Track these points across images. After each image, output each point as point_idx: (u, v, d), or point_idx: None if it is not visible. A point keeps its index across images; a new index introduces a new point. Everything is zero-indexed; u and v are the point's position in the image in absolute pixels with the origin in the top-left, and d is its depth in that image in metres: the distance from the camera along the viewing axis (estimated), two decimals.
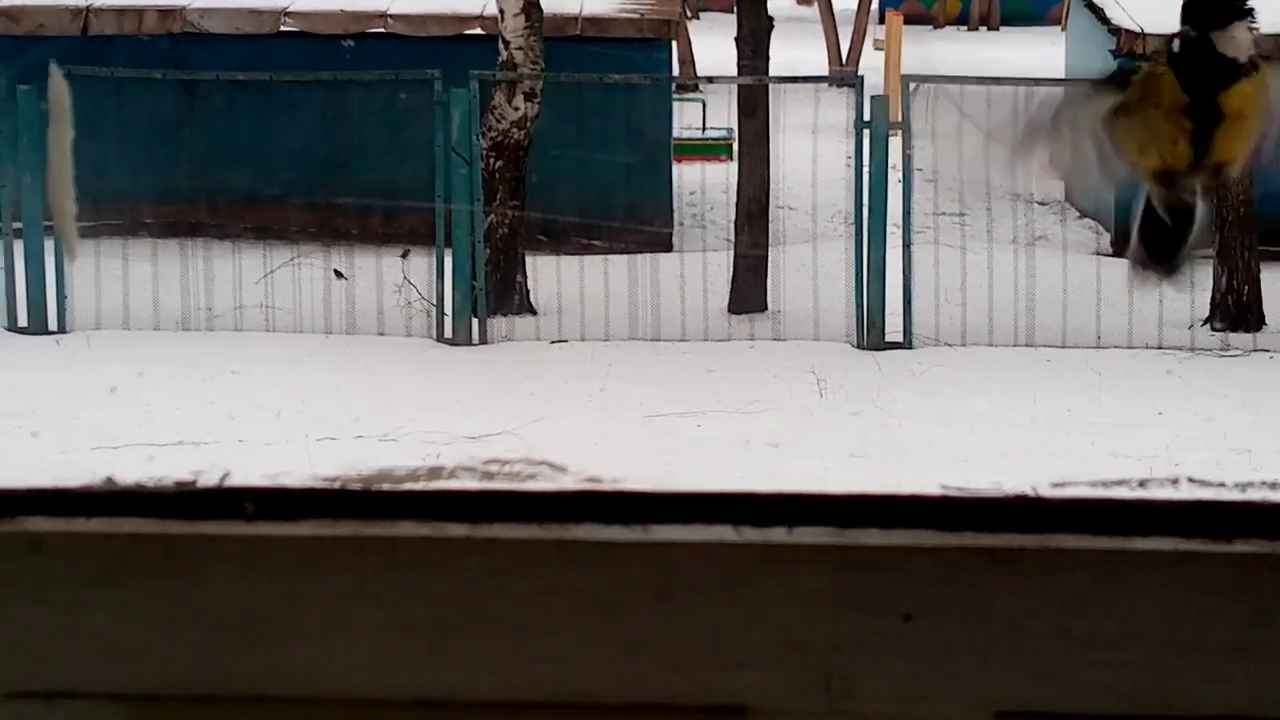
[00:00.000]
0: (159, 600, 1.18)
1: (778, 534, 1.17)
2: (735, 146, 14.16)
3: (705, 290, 12.51)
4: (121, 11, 15.09)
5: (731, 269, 12.95)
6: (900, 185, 12.23)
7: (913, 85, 12.50)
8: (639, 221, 14.58)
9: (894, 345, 11.81)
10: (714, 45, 21.75)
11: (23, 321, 11.94)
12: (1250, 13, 3.30)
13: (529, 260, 12.57)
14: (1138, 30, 15.33)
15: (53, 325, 11.93)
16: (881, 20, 27.09)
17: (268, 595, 1.18)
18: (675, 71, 18.40)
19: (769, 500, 1.18)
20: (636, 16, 15.47)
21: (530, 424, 9.00)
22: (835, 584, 1.17)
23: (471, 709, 1.18)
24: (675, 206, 15.52)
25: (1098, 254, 14.64)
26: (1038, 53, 26.37)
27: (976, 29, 37.29)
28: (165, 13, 15.10)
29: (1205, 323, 12.36)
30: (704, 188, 15.96)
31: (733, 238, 13.36)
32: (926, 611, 1.16)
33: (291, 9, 15.25)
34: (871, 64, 24.03)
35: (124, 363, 10.50)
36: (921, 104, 12.60)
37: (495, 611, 1.18)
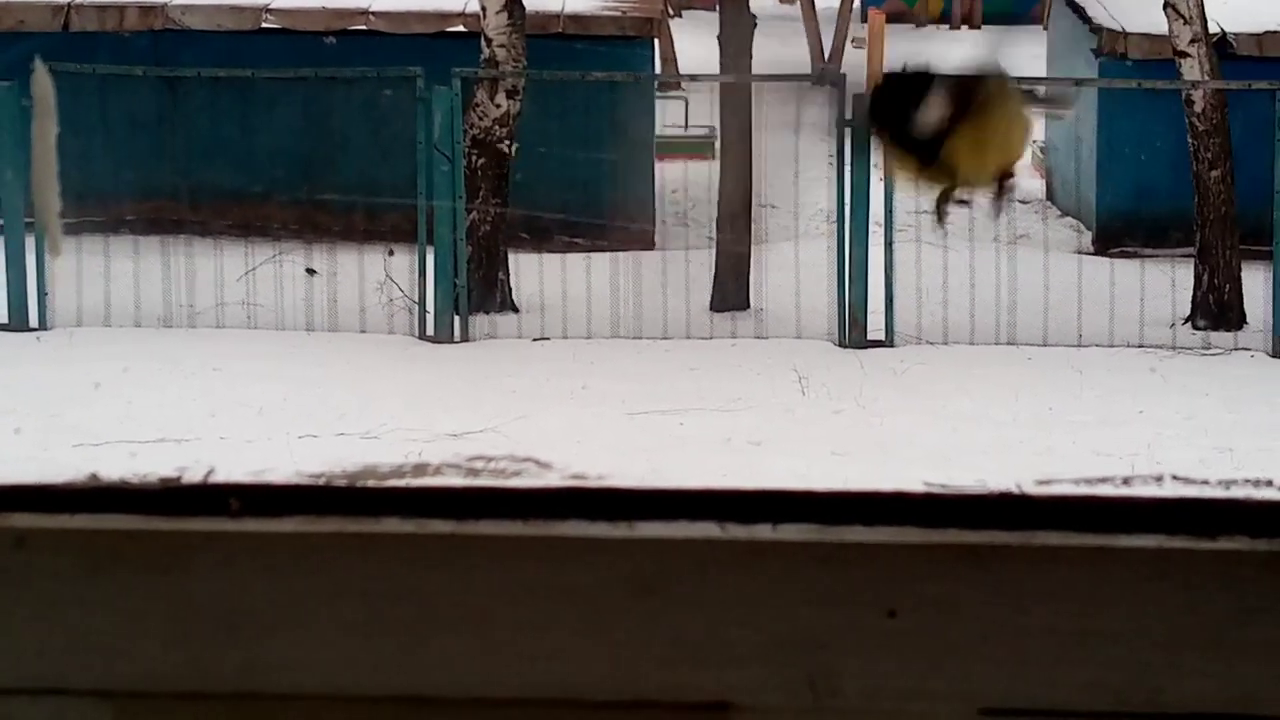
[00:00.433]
0: (144, 596, 1.18)
1: (762, 531, 1.18)
2: (717, 144, 14.16)
3: (687, 288, 12.50)
4: (103, 8, 15.05)
5: (714, 267, 12.94)
6: (882, 183, 12.23)
7: None
8: (621, 219, 14.57)
9: (876, 343, 11.82)
10: (696, 43, 21.74)
11: (3, 318, 11.91)
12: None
13: (511, 258, 12.55)
14: (1119, 29, 15.36)
15: (34, 322, 11.90)
16: (864, 19, 27.11)
17: (252, 591, 1.18)
18: (658, 69, 18.39)
19: (754, 497, 1.19)
20: (619, 14, 15.47)
21: (512, 421, 8.99)
22: (819, 581, 1.17)
23: (456, 705, 1.18)
24: (657, 204, 15.51)
25: (1079, 252, 14.67)
26: (1019, 51, 26.41)
27: (958, 28, 37.32)
28: (147, 9, 15.06)
29: (1186, 321, 12.38)
30: (686, 186, 15.96)
31: (715, 236, 13.36)
32: (911, 608, 1.17)
33: (273, 6, 15.22)
34: (854, 62, 24.04)
35: (106, 360, 10.47)
36: None
37: (480, 608, 1.18)
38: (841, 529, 1.17)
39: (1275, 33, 15.32)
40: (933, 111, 2.83)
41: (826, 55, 26.70)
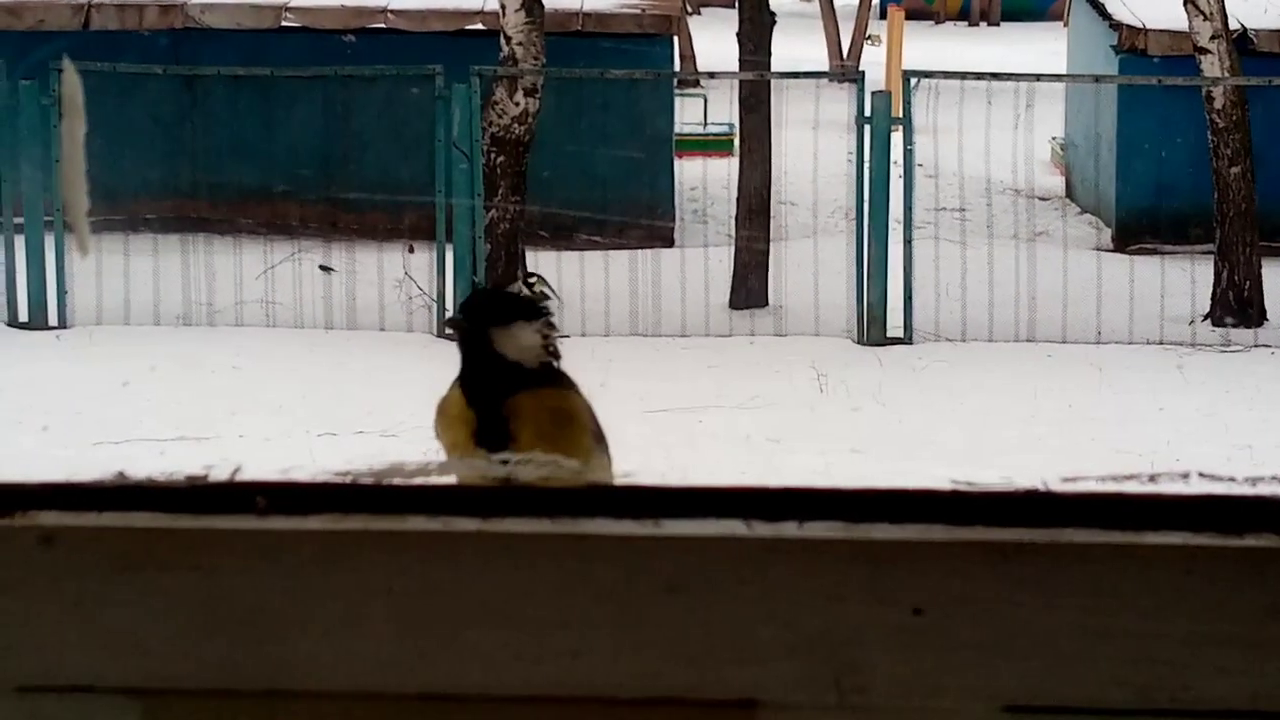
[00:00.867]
0: (170, 595, 1.18)
1: (788, 529, 1.18)
2: (736, 142, 14.16)
3: (706, 286, 12.51)
4: (123, 7, 15.09)
5: (733, 264, 12.95)
6: (901, 181, 12.23)
7: (914, 81, 12.50)
8: (640, 217, 14.58)
9: (895, 341, 11.82)
10: (715, 40, 21.76)
11: (24, 317, 11.95)
12: (541, 315, 2.89)
13: (530, 256, 12.57)
14: (1139, 25, 15.33)
15: (53, 321, 11.93)
16: (883, 16, 27.09)
17: (279, 590, 1.18)
18: (676, 67, 18.39)
19: (780, 495, 1.19)
20: (638, 12, 15.47)
21: None
22: (846, 578, 1.17)
23: (482, 703, 1.18)
24: (676, 202, 15.53)
25: (1098, 249, 14.66)
26: (1039, 48, 26.41)
27: (977, 24, 37.30)
28: (167, 8, 15.10)
29: (1206, 318, 12.36)
30: (705, 183, 15.97)
31: (734, 233, 13.36)
32: (937, 606, 1.17)
33: (292, 4, 15.25)
34: (872, 59, 24.03)
35: (125, 359, 10.50)
36: (923, 100, 12.60)
37: (506, 606, 1.18)
38: (868, 526, 1.17)
39: None
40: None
41: (845, 52, 26.69)
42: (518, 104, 12.19)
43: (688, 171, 16.06)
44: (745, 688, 1.18)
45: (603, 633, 1.17)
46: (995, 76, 13.22)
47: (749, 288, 12.77)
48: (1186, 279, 12.63)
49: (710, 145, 17.70)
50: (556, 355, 2.88)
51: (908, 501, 1.19)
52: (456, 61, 12.20)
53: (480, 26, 14.78)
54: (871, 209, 12.09)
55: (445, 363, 2.98)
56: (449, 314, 11.73)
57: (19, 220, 11.94)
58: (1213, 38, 12.47)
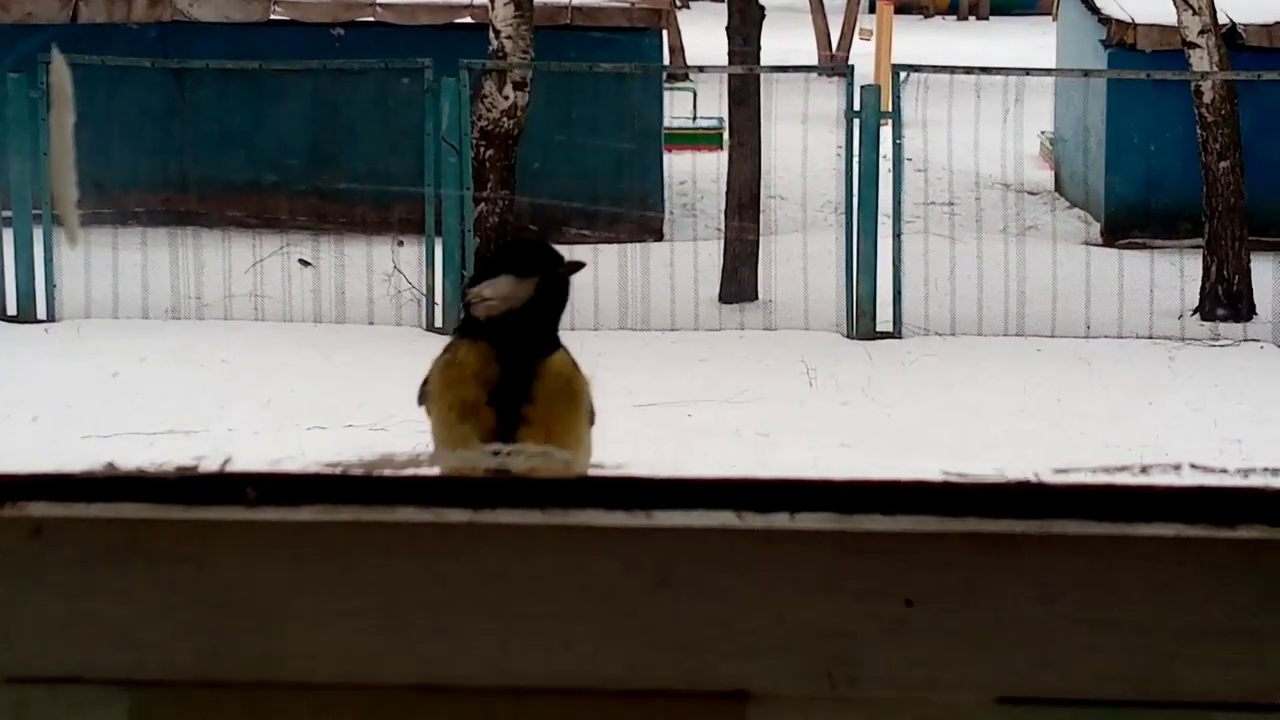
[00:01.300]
0: (160, 586, 1.18)
1: (780, 520, 1.17)
2: (726, 136, 14.16)
3: (696, 280, 12.51)
4: (111, 0, 15.07)
5: (722, 258, 12.95)
6: (890, 175, 12.23)
7: (903, 75, 12.50)
8: (630, 211, 14.58)
9: (884, 335, 11.82)
10: (704, 34, 21.77)
11: (12, 310, 11.93)
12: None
13: None
14: (1128, 20, 15.34)
15: (42, 314, 11.92)
16: (872, 10, 27.10)
17: (269, 581, 1.18)
18: (666, 61, 18.38)
19: (771, 486, 1.18)
20: (627, 5, 15.46)
21: None
22: (837, 570, 1.17)
23: (473, 695, 1.18)
24: (666, 196, 15.53)
25: (1087, 244, 14.67)
26: (1028, 43, 26.43)
27: (966, 19, 37.32)
28: (155, 1, 15.07)
29: (1195, 312, 12.38)
30: (695, 177, 15.96)
31: (723, 227, 13.36)
32: (929, 597, 1.16)
33: None
34: (861, 53, 24.04)
35: (114, 352, 10.49)
36: (912, 94, 12.61)
37: (497, 597, 1.17)
38: (860, 518, 1.17)
39: None
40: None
41: (834, 46, 26.69)
42: (507, 97, 12.18)
43: (677, 165, 16.06)
44: (736, 679, 1.18)
45: (594, 624, 1.17)
46: (984, 71, 13.23)
47: (738, 282, 12.77)
48: (1175, 273, 12.64)
49: (699, 139, 17.70)
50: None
51: (899, 493, 1.18)
52: (445, 55, 12.19)
53: (469, 20, 14.76)
54: (861, 203, 12.09)
55: (434, 356, 2.97)
56: (438, 305, 11.72)
57: (7, 214, 11.92)
58: (1201, 32, 12.47)
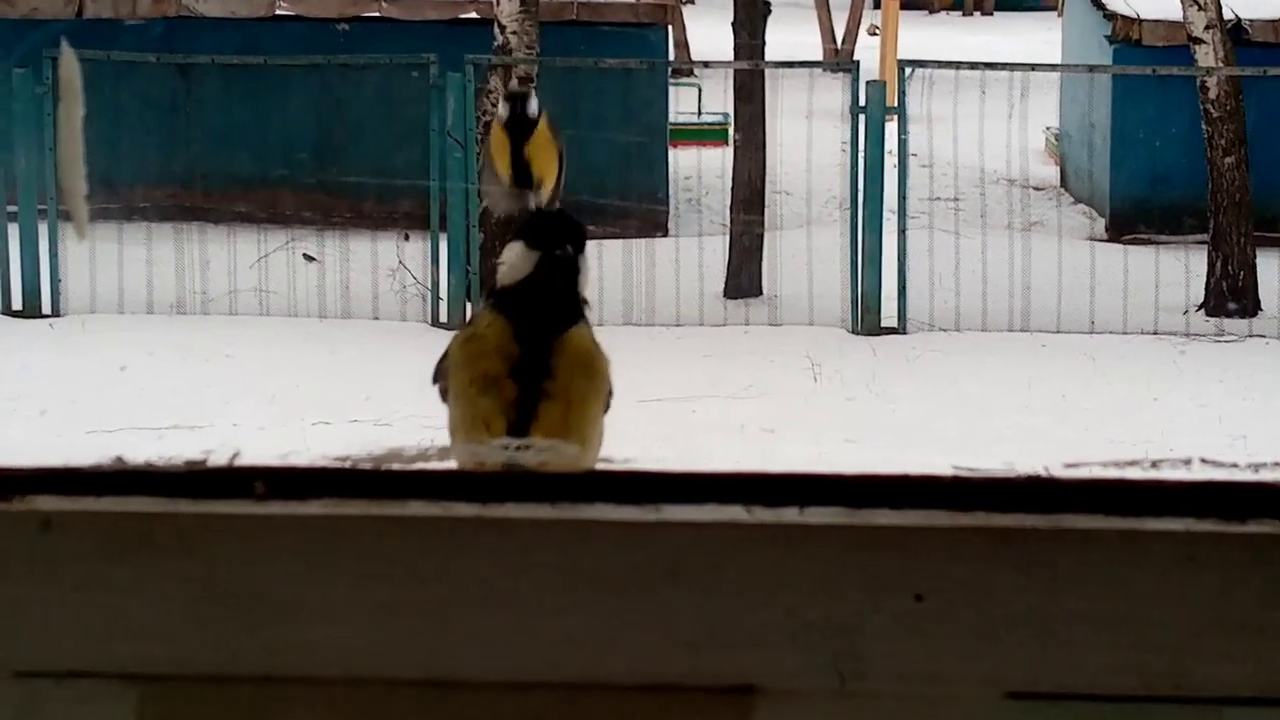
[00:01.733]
0: (168, 580, 1.18)
1: (789, 514, 1.17)
2: (731, 131, 14.16)
3: (701, 275, 12.51)
4: None
5: (727, 254, 12.95)
6: (896, 170, 12.23)
7: (908, 70, 12.49)
8: (635, 206, 14.57)
9: (889, 330, 11.82)
10: (710, 30, 21.75)
11: (17, 305, 11.94)
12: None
13: None
14: (1134, 15, 15.33)
15: (47, 309, 11.92)
16: (877, 5, 27.08)
17: (277, 575, 1.18)
18: (671, 56, 18.37)
19: (781, 481, 1.18)
20: (632, 1, 15.46)
21: None
22: (846, 564, 1.17)
23: (481, 689, 1.18)
24: (671, 191, 15.52)
25: (1092, 239, 14.66)
26: (1034, 38, 26.41)
27: (971, 14, 37.30)
28: None
29: (1200, 308, 12.37)
30: (700, 172, 15.95)
31: (728, 223, 13.36)
32: (938, 592, 1.16)
33: None
34: (867, 49, 24.02)
35: (119, 347, 10.50)
36: (917, 89, 12.60)
37: (505, 592, 1.17)
38: (869, 512, 1.17)
39: None
40: None
41: (839, 42, 26.68)
42: None
43: (682, 161, 16.05)
44: (745, 674, 1.17)
45: (603, 618, 1.17)
46: (990, 66, 13.22)
47: (744, 277, 12.77)
48: (1181, 269, 12.63)
49: (705, 135, 17.69)
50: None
51: (909, 487, 1.18)
52: (451, 50, 12.19)
53: (474, 15, 14.76)
54: (866, 198, 12.09)
55: (439, 352, 2.96)
56: (443, 301, 11.72)
57: (12, 209, 11.92)
58: (1207, 28, 12.46)
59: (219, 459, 1.24)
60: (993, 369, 10.63)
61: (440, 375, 2.85)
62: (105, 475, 1.20)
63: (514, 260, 2.82)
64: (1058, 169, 17.85)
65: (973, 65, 13.07)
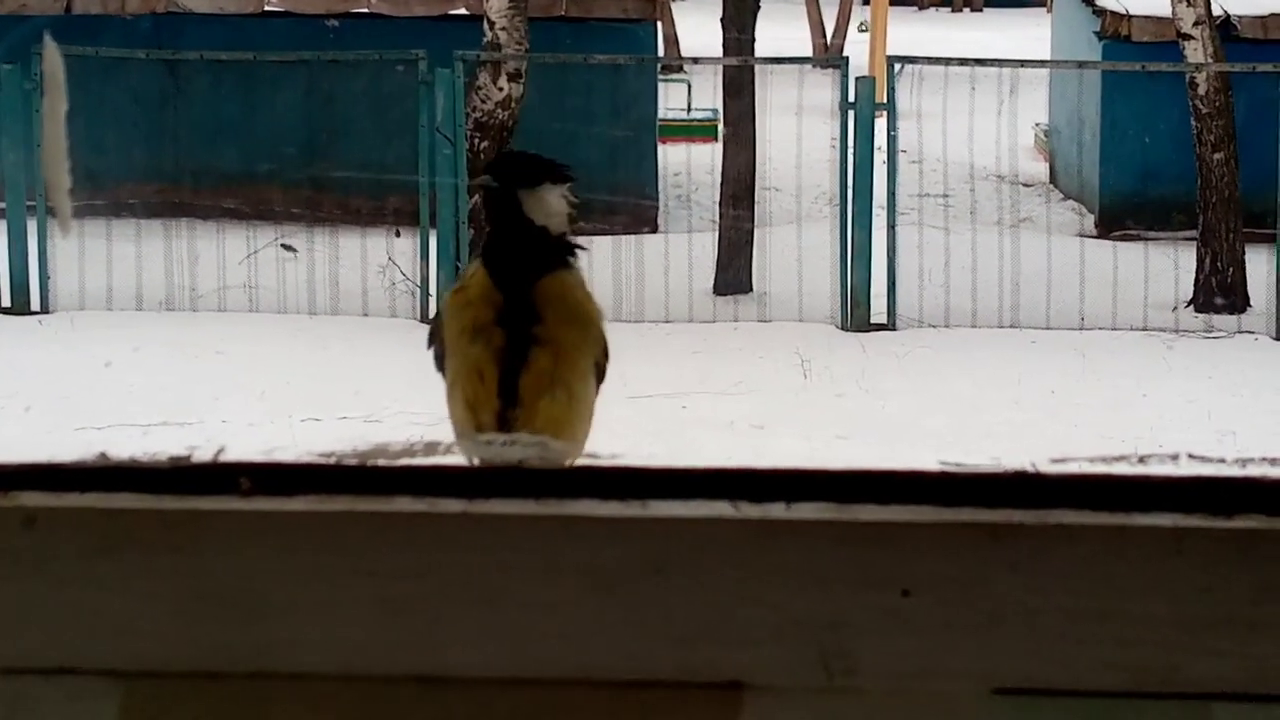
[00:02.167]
0: (154, 576, 1.18)
1: (776, 510, 1.17)
2: (720, 127, 14.15)
3: (690, 271, 12.50)
4: None
5: (717, 250, 12.94)
6: (885, 166, 12.23)
7: (898, 66, 12.49)
8: (624, 202, 14.56)
9: (878, 327, 11.82)
10: (699, 26, 21.74)
11: (5, 302, 11.91)
12: (568, 179, 2.82)
13: None
14: (1123, 12, 15.34)
15: (36, 305, 11.90)
16: (866, 1, 27.09)
17: (263, 571, 1.18)
18: (660, 52, 18.36)
19: (767, 476, 1.18)
20: None
21: None
22: (834, 560, 1.16)
23: (469, 685, 1.18)
24: (660, 187, 15.51)
25: (1081, 235, 14.66)
26: (1023, 34, 26.42)
27: (960, 10, 37.32)
28: None
29: (1190, 304, 12.38)
30: (689, 168, 15.96)
31: (718, 219, 13.35)
32: (925, 587, 1.16)
33: None
34: (856, 44, 24.03)
35: (108, 343, 10.48)
36: (906, 85, 12.60)
37: (492, 588, 1.17)
38: (856, 508, 1.17)
39: (1279, 15, 15.31)
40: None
41: (829, 38, 26.69)
42: (501, 89, 12.17)
43: (671, 157, 16.05)
44: (732, 670, 1.17)
45: (589, 615, 1.17)
46: (979, 62, 13.23)
47: (733, 273, 12.76)
48: (1170, 265, 12.64)
49: (694, 130, 17.68)
50: (576, 222, 2.82)
51: (896, 482, 1.18)
52: (440, 46, 12.17)
53: (464, 11, 14.74)
54: (855, 194, 12.08)
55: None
56: (432, 297, 11.71)
57: (1, 206, 11.90)
58: (1196, 24, 12.47)
59: (204, 455, 1.23)
60: (982, 365, 10.63)
61: (432, 338, 2.84)
62: (90, 471, 1.20)
63: (480, 202, 2.82)
64: (1047, 165, 17.85)
65: (962, 61, 13.07)
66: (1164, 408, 9.42)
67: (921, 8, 37.05)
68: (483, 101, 12.17)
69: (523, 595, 1.17)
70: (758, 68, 13.28)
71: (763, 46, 14.03)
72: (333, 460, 1.22)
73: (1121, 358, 10.88)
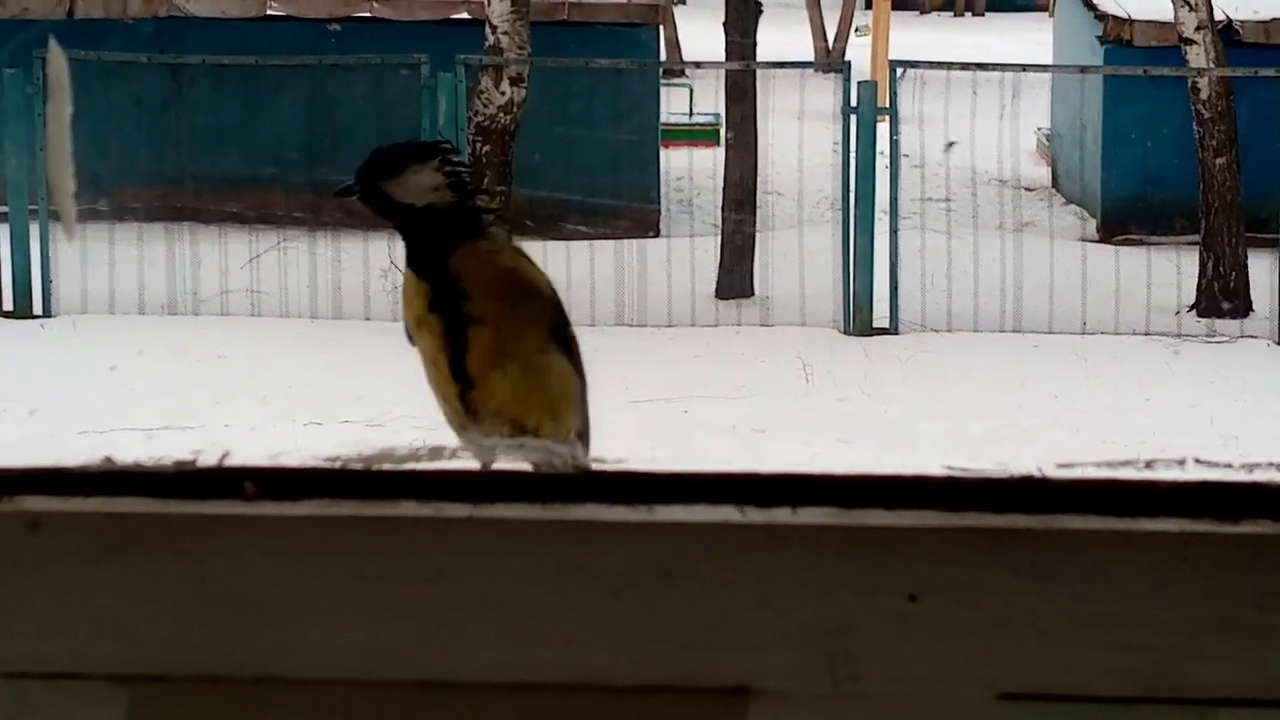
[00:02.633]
0: (158, 580, 1.17)
1: (782, 515, 1.17)
2: (722, 131, 14.15)
3: (692, 275, 12.50)
4: None
5: (719, 254, 12.94)
6: (887, 171, 12.22)
7: (900, 71, 12.49)
8: (626, 206, 14.57)
9: (881, 331, 11.81)
10: (701, 30, 21.73)
11: (8, 305, 11.91)
12: (435, 154, 2.77)
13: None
14: (1125, 16, 15.34)
15: (38, 309, 11.90)
16: (868, 6, 27.09)
17: (268, 576, 1.18)
18: (662, 56, 18.37)
19: (773, 481, 1.18)
20: (623, 1, 15.45)
21: None
22: (840, 565, 1.16)
23: (473, 691, 1.18)
24: (662, 191, 15.51)
25: (1083, 240, 14.67)
26: (1025, 39, 26.43)
27: (962, 14, 37.32)
28: None
29: (1192, 309, 12.37)
30: (691, 173, 15.96)
31: (720, 223, 13.35)
32: (931, 592, 1.16)
33: None
34: (858, 49, 24.02)
35: (111, 346, 10.48)
36: (908, 90, 12.60)
37: (498, 592, 1.17)
38: (862, 513, 1.17)
39: None
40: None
41: (831, 42, 26.69)
42: (503, 93, 12.17)
43: (674, 161, 16.05)
44: (738, 675, 1.17)
45: (595, 620, 1.16)
46: (981, 67, 13.23)
47: (735, 278, 12.76)
48: (1172, 270, 12.63)
49: (696, 135, 17.68)
50: (467, 186, 2.75)
51: (902, 487, 1.18)
52: (442, 50, 12.18)
53: (466, 15, 14.75)
54: (857, 199, 12.08)
55: None
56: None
57: (3, 210, 11.90)
58: (1198, 28, 12.46)
59: (208, 459, 1.23)
60: (985, 369, 10.62)
61: (409, 336, 2.85)
62: (94, 475, 1.19)
63: None
64: (1049, 169, 17.85)
65: (964, 66, 13.07)
66: (1167, 412, 9.41)
67: (923, 12, 37.04)
68: (485, 106, 12.17)
69: (528, 600, 1.16)
70: (760, 72, 13.28)
71: (765, 51, 14.02)
72: (338, 465, 1.22)
73: (1124, 362, 10.88)
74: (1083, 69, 15.13)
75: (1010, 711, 1.17)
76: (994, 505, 1.17)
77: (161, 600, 1.17)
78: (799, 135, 13.68)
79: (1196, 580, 1.15)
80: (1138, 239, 14.57)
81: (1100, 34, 15.58)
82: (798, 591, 1.16)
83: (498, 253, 2.74)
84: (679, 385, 9.82)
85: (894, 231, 12.14)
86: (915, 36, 27.02)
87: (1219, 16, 13.25)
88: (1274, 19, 15.22)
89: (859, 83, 12.32)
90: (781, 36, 21.67)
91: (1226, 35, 13.72)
